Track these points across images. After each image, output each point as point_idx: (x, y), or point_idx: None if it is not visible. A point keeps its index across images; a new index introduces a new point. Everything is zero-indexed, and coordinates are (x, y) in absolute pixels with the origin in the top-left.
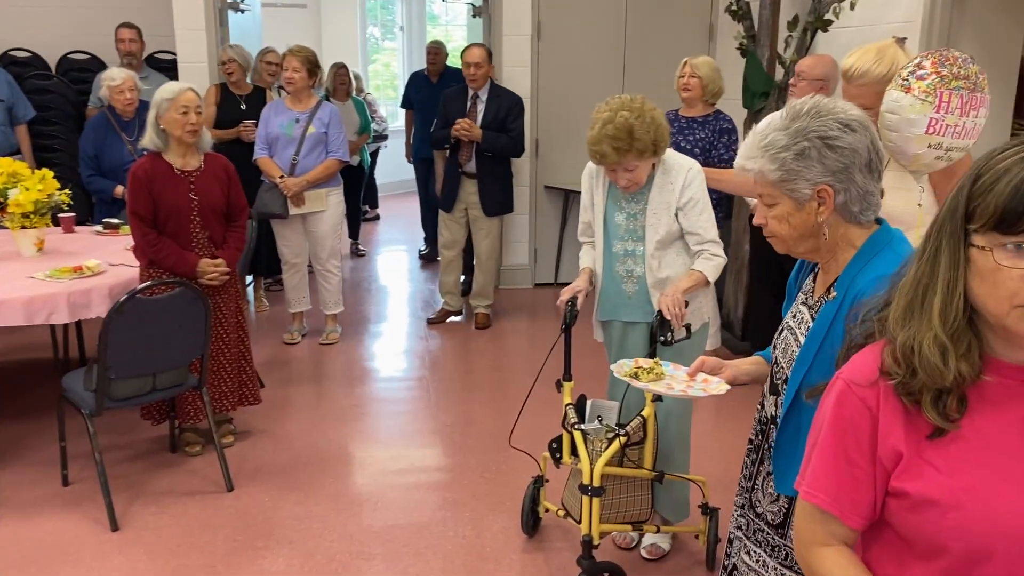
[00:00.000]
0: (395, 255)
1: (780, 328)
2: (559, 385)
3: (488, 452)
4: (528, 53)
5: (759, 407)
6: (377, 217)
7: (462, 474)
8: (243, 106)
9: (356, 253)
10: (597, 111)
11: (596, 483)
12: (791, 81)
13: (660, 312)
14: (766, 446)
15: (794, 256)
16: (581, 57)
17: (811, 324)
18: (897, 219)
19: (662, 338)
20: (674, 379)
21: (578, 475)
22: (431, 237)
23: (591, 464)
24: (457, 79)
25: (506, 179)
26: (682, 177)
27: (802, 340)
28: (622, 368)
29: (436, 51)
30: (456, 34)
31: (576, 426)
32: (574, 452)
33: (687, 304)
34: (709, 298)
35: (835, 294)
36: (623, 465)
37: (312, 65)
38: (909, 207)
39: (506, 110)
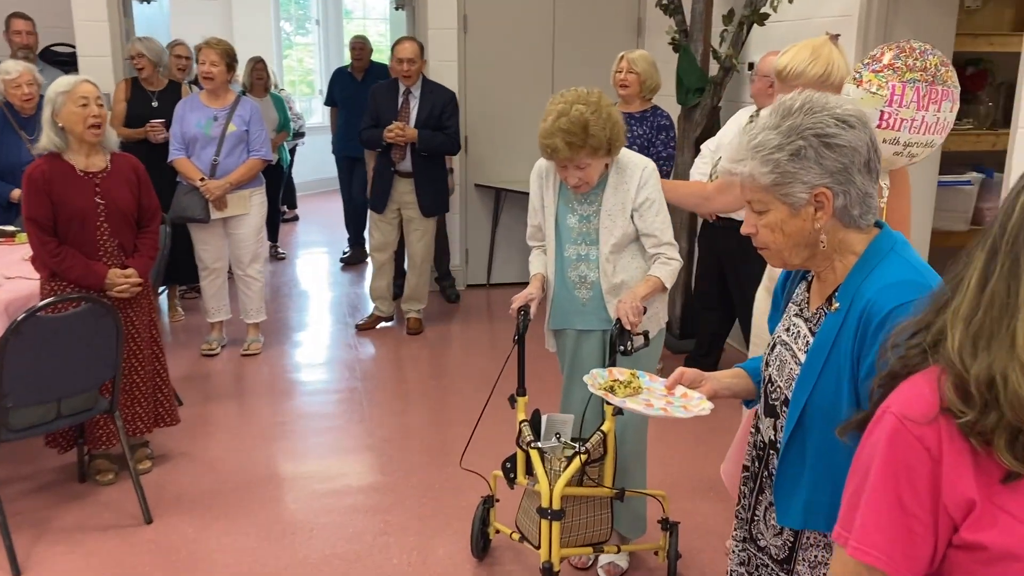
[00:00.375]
0: (317, 258)
1: (771, 343)
2: (512, 400)
3: (430, 469)
4: (455, 47)
5: (754, 430)
6: (296, 218)
7: (403, 494)
8: (155, 103)
9: (276, 256)
10: (551, 102)
11: (556, 506)
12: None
13: (619, 320)
14: (765, 474)
15: (788, 268)
16: (509, 51)
17: (811, 339)
18: None
19: (621, 348)
20: (652, 393)
21: (533, 496)
22: (354, 239)
23: (550, 485)
24: (381, 75)
25: (442, 177)
26: (637, 176)
27: (802, 357)
28: (596, 380)
29: (361, 47)
30: (373, 28)
31: (532, 444)
32: (529, 471)
33: (644, 311)
34: (665, 302)
35: (838, 305)
36: (583, 484)
37: (231, 59)
38: None
39: (441, 107)
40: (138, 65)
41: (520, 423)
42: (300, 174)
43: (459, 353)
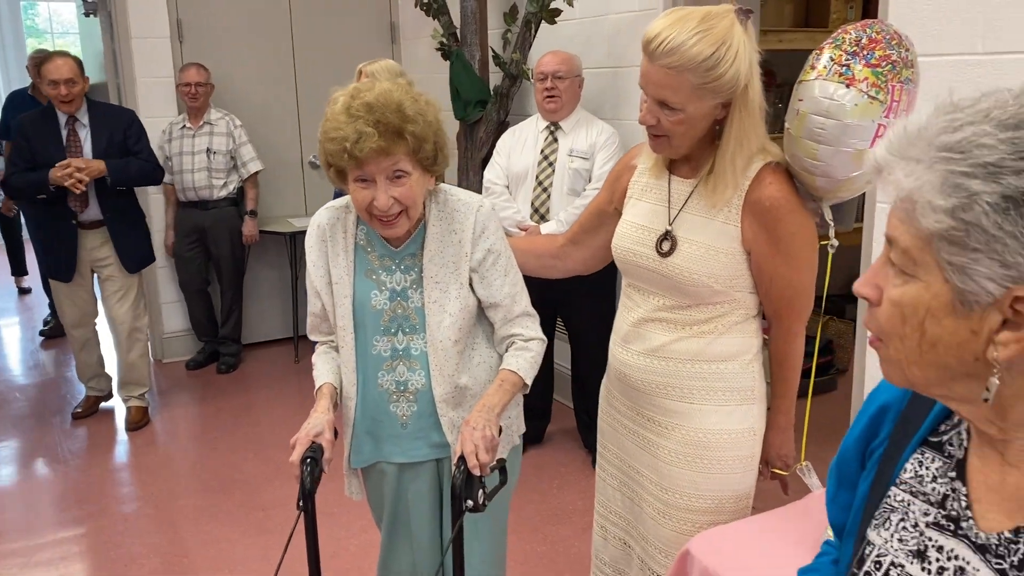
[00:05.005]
0: (7, 332)
1: (864, 571)
2: None
3: None
4: (169, 60)
5: None
6: (28, 290)
7: None
8: None
9: None
10: (334, 92)
11: None
12: None
13: (463, 460)
14: None
15: (899, 383)
16: (241, 63)
17: None
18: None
19: (470, 503)
20: None
21: None
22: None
23: None
24: None
25: (142, 222)
26: (470, 221)
27: None
28: None
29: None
30: (61, 44)
31: None
32: None
33: (500, 432)
34: (520, 405)
35: None
36: None
37: None
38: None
39: (123, 130)
40: None
41: None
42: None
43: (204, 450)
